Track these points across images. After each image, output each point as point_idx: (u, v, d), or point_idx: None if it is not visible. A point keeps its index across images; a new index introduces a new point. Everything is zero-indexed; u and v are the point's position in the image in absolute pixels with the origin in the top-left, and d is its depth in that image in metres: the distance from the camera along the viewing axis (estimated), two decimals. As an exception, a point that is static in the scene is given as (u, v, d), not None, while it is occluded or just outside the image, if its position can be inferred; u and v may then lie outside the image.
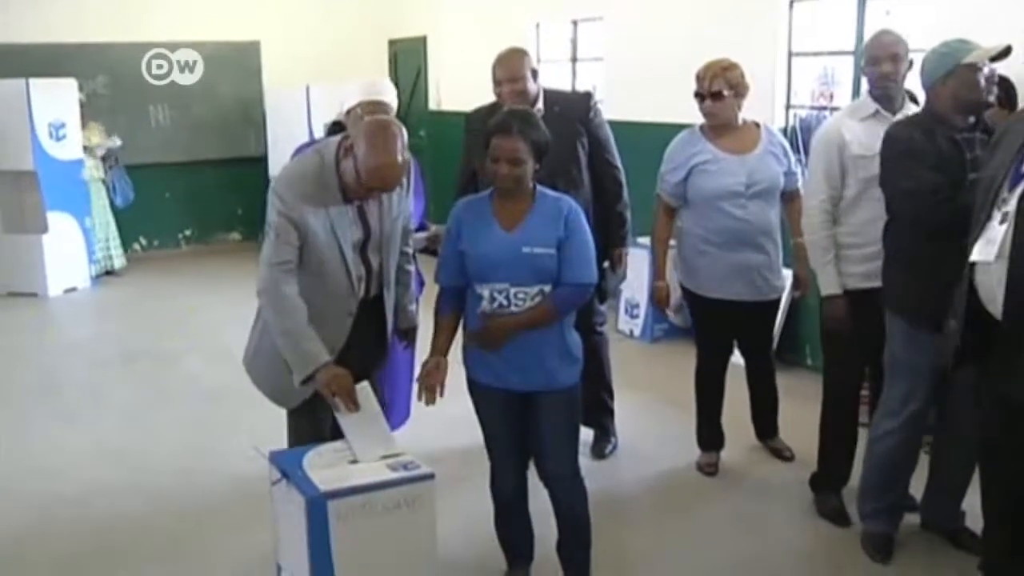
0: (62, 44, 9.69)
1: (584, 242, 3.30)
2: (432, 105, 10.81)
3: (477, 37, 9.52)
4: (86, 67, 9.75)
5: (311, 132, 8.93)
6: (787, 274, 4.64)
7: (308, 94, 9.55)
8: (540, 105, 4.37)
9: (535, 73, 4.41)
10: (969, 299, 2.99)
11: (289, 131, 9.26)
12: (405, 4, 11.01)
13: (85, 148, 9.11)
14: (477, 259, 3.29)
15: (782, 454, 4.82)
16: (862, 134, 3.82)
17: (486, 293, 3.27)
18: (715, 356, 4.69)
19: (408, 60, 11.19)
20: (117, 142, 9.39)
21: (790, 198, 4.55)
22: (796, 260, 4.61)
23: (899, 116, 3.79)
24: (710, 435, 4.78)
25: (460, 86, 9.94)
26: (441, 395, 3.30)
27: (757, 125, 4.49)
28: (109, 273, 9.47)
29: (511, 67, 4.35)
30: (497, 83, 4.37)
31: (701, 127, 4.47)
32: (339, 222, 3.26)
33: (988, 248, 2.88)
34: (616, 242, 4.61)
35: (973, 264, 2.96)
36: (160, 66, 10.31)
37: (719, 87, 4.31)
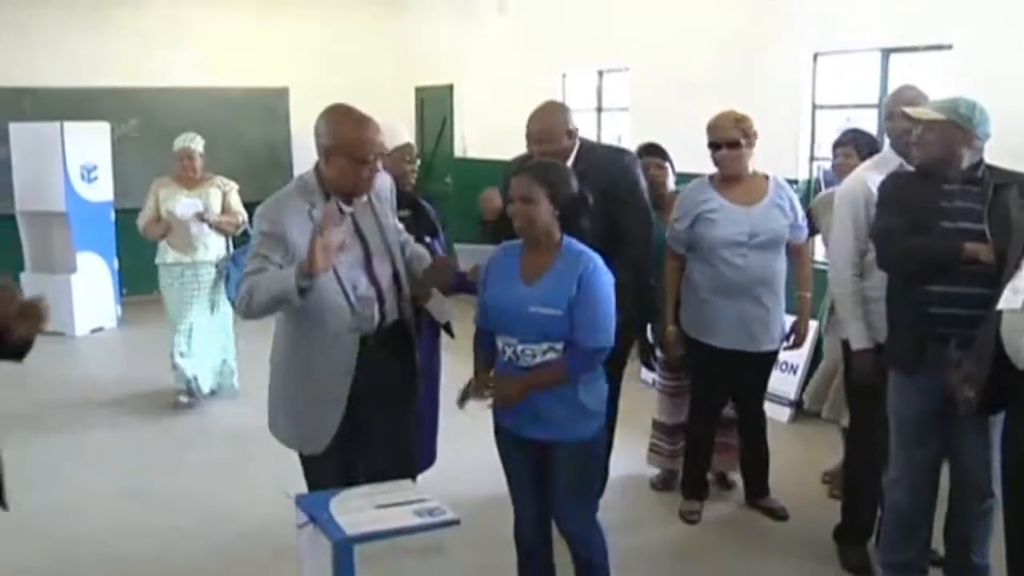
0: (96, 88, 9.86)
1: (597, 305, 3.20)
2: (458, 152, 10.91)
3: (503, 86, 9.63)
4: (118, 110, 9.91)
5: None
6: (790, 320, 4.67)
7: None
8: (569, 163, 4.02)
9: (571, 132, 4.13)
10: (996, 347, 3.00)
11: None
12: (432, 53, 11.15)
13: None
14: (490, 311, 3.31)
15: (776, 514, 4.76)
16: (887, 188, 3.86)
17: (499, 345, 3.30)
18: (709, 405, 4.71)
19: (435, 108, 11.32)
20: (197, 207, 6.53)
21: (797, 251, 4.59)
22: (799, 312, 4.65)
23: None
24: (695, 484, 4.79)
25: (486, 134, 10.04)
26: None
27: (767, 177, 4.53)
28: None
29: (540, 128, 4.11)
30: (528, 137, 4.15)
31: (711, 177, 4.52)
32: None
33: (1014, 297, 2.90)
34: (646, 317, 4.57)
35: (1000, 312, 2.98)
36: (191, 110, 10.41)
37: (736, 136, 4.36)
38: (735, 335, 4.43)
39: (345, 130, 3.18)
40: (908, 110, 3.59)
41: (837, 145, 4.80)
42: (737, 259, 4.38)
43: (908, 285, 3.52)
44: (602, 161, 4.20)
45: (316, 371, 3.26)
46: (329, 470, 3.34)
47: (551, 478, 3.39)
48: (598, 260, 3.26)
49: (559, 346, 3.20)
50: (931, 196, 3.49)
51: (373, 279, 3.30)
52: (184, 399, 6.57)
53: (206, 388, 6.67)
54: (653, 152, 5.04)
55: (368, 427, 3.34)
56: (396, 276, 3.39)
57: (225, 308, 6.49)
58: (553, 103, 4.38)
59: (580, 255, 3.25)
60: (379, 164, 3.28)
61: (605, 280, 3.24)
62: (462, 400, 3.38)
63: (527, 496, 3.49)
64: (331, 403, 3.28)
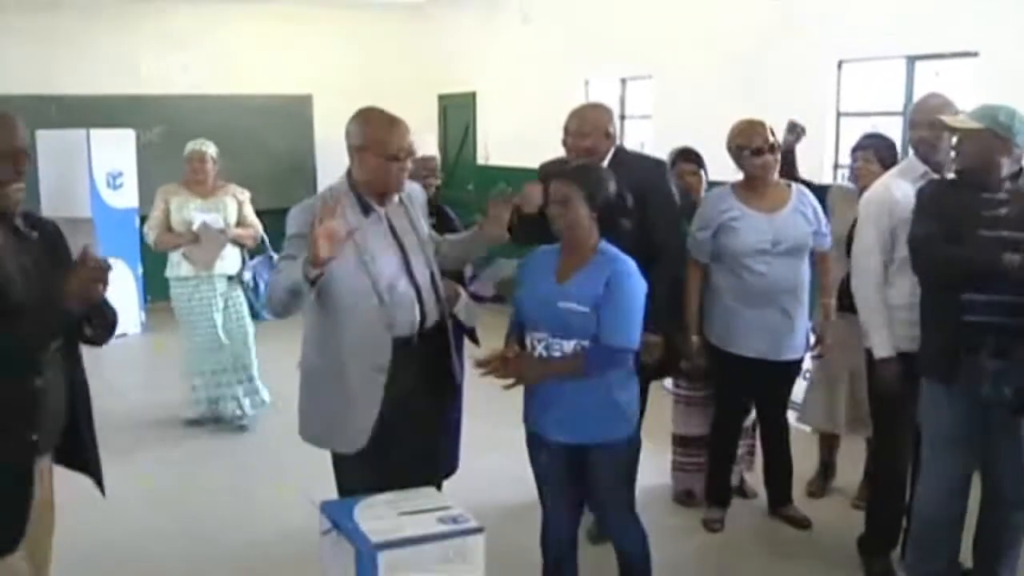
0: (121, 95, 9.94)
1: (622, 305, 3.24)
2: (480, 160, 10.93)
3: (526, 94, 9.64)
4: (143, 118, 9.98)
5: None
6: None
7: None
8: (603, 165, 4.08)
9: (610, 134, 4.21)
10: None
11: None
12: (455, 60, 11.18)
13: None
14: (522, 306, 3.36)
15: (799, 523, 4.73)
16: (912, 195, 3.82)
17: (528, 341, 3.33)
18: (732, 413, 4.70)
19: (457, 115, 11.35)
20: (220, 223, 6.19)
21: (820, 259, 4.57)
22: (821, 320, 4.62)
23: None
24: (719, 492, 4.76)
25: (508, 141, 10.05)
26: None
27: (788, 185, 4.52)
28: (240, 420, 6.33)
29: (581, 121, 4.17)
30: (565, 132, 4.21)
31: (732, 185, 4.51)
32: (363, 237, 3.18)
33: None
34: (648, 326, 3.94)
35: None
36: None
37: (774, 141, 4.38)
38: (759, 344, 4.42)
39: (376, 129, 3.24)
40: (946, 119, 3.56)
41: (856, 149, 4.77)
42: (761, 267, 4.36)
43: (942, 293, 3.49)
44: (635, 168, 4.19)
45: (349, 369, 3.27)
46: (361, 470, 3.32)
47: (588, 480, 3.41)
48: (631, 264, 3.30)
49: (586, 343, 3.24)
50: (970, 204, 3.47)
51: (412, 279, 3.33)
52: (212, 423, 6.32)
53: (243, 409, 6.28)
54: (688, 158, 5.03)
55: (403, 429, 3.34)
56: (432, 278, 3.42)
57: (244, 317, 6.30)
58: (597, 103, 4.43)
59: (614, 258, 3.30)
60: (408, 164, 3.31)
61: (635, 283, 3.28)
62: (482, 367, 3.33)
63: (554, 499, 3.50)
64: (366, 402, 3.28)
